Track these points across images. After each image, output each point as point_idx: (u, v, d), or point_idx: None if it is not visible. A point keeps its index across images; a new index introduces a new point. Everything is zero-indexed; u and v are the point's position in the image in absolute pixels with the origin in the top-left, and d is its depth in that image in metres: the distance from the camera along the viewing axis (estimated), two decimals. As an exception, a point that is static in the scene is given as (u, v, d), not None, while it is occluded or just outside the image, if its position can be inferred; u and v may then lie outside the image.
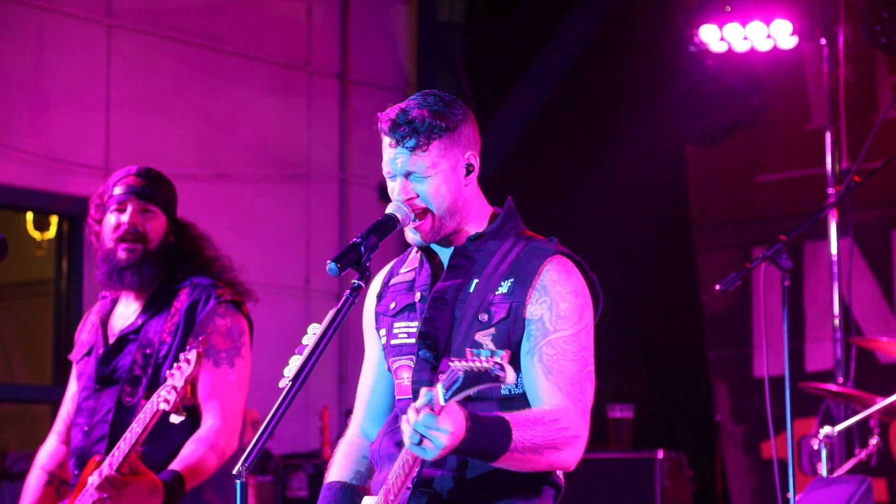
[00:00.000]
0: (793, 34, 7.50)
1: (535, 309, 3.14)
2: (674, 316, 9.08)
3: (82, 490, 4.22)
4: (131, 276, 4.36)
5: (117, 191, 4.40)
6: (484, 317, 3.14)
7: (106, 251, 4.40)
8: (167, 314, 4.35)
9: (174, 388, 3.97)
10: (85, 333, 4.56)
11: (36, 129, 8.11)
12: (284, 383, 2.93)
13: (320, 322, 3.02)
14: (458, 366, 2.78)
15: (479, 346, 3.12)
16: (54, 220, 8.55)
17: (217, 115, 8.94)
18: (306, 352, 2.97)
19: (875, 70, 7.77)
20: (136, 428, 4.06)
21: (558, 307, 3.13)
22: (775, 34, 7.51)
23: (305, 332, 3.03)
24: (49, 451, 4.56)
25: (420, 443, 2.84)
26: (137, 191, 4.39)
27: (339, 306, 3.02)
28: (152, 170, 4.50)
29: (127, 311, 4.46)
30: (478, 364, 2.76)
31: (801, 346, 7.84)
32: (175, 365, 4.02)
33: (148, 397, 4.23)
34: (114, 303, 4.53)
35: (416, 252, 3.33)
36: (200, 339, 4.10)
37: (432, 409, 2.81)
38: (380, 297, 3.34)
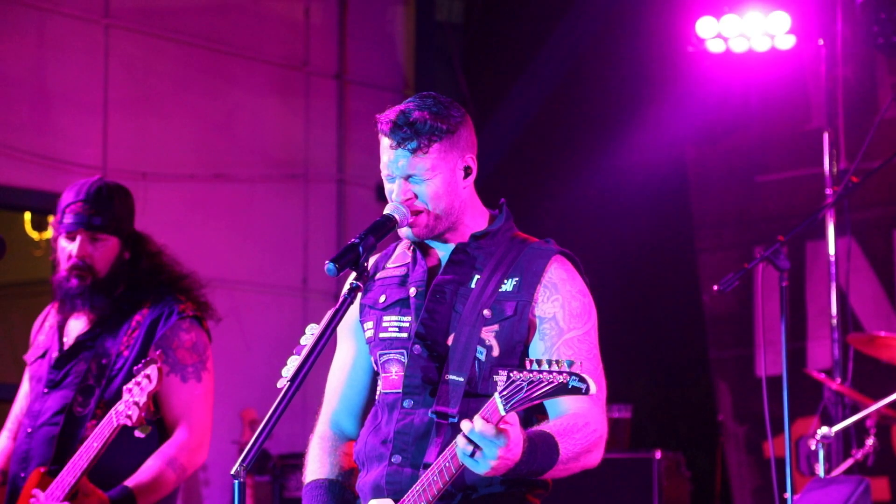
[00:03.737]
0: (790, 32, 7.52)
1: (547, 307, 3.15)
2: (674, 316, 9.07)
3: (27, 497, 4.22)
4: (82, 304, 4.39)
5: (67, 219, 4.40)
6: (487, 313, 3.15)
7: (59, 279, 4.43)
8: (127, 326, 4.37)
9: (136, 403, 3.97)
10: (42, 335, 4.57)
11: (34, 128, 8.11)
12: (282, 383, 2.93)
13: (318, 322, 3.02)
14: (519, 376, 2.76)
15: (483, 342, 3.12)
16: (52, 219, 8.54)
17: (215, 116, 8.94)
18: (304, 352, 2.97)
19: (875, 70, 7.78)
20: (93, 444, 4.06)
21: (570, 306, 3.15)
22: (773, 31, 7.53)
23: (303, 333, 3.03)
24: (1, 449, 4.56)
25: (473, 454, 2.82)
26: (86, 221, 4.36)
27: (336, 307, 3.03)
28: (103, 188, 4.42)
29: (83, 319, 4.47)
30: (547, 375, 2.73)
31: (804, 345, 7.85)
32: (133, 381, 4.02)
33: (101, 407, 4.26)
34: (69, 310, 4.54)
35: (408, 248, 3.32)
36: (158, 353, 4.10)
37: (489, 420, 2.80)
38: (365, 290, 3.32)
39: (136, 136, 8.49)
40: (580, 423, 3.02)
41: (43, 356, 4.49)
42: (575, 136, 9.26)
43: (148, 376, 3.98)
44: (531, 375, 2.74)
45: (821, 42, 7.49)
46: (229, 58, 8.99)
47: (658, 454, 6.86)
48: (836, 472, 5.78)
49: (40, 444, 4.33)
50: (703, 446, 8.69)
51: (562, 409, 3.08)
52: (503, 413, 2.79)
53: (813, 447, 5.19)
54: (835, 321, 7.19)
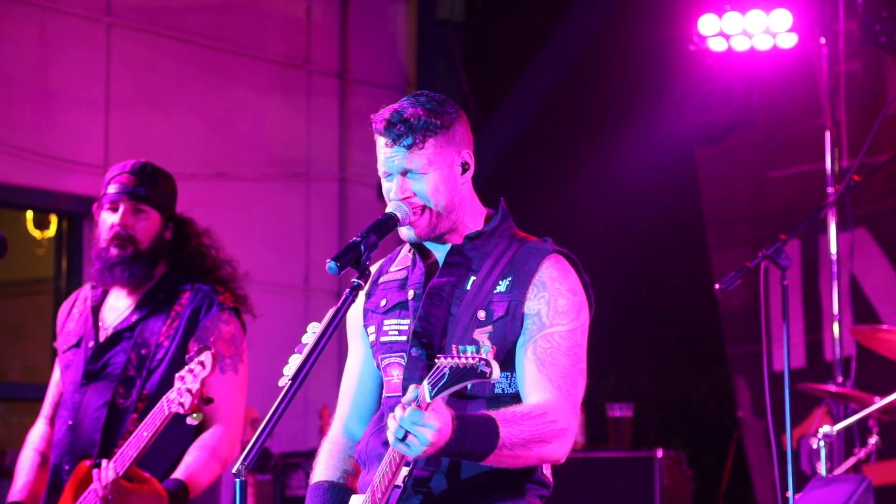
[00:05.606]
0: (792, 30, 7.52)
1: (533, 304, 3.14)
2: (686, 315, 9.06)
3: (75, 490, 4.21)
4: (121, 272, 4.36)
5: (111, 189, 4.41)
6: (482, 314, 3.14)
7: (99, 249, 4.41)
8: (166, 316, 4.35)
9: (189, 390, 3.96)
10: (72, 323, 4.53)
11: (36, 127, 8.11)
12: (284, 382, 2.93)
13: (320, 321, 3.02)
14: (444, 362, 2.79)
15: (475, 343, 3.12)
16: (54, 218, 8.55)
17: (216, 114, 8.94)
18: (306, 350, 2.97)
19: (883, 65, 7.79)
20: (143, 434, 4.05)
21: (556, 303, 3.14)
22: (775, 28, 7.54)
23: (305, 331, 3.02)
24: (40, 433, 4.55)
25: (404, 439, 2.85)
26: (129, 191, 4.38)
27: (338, 305, 3.02)
28: (148, 165, 4.48)
29: (119, 305, 4.45)
30: (463, 360, 2.78)
31: (820, 336, 7.85)
32: (186, 368, 4.00)
33: (142, 400, 4.23)
34: (104, 294, 4.51)
35: (409, 251, 3.32)
36: (212, 340, 4.11)
37: (419, 406, 2.82)
38: (369, 294, 3.33)
39: (137, 134, 8.48)
40: (535, 413, 3.01)
41: (77, 345, 4.45)
42: (576, 134, 9.26)
43: (202, 363, 3.99)
44: (452, 361, 2.78)
45: (822, 41, 7.49)
46: (231, 56, 8.99)
47: (659, 453, 6.86)
48: (838, 471, 5.78)
49: (84, 437, 4.31)
50: (707, 444, 8.69)
51: (528, 401, 3.08)
52: (429, 400, 2.82)
53: (815, 446, 5.19)
54: (836, 320, 7.20)
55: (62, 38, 8.21)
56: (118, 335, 4.38)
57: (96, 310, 4.48)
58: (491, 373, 2.75)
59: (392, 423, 2.86)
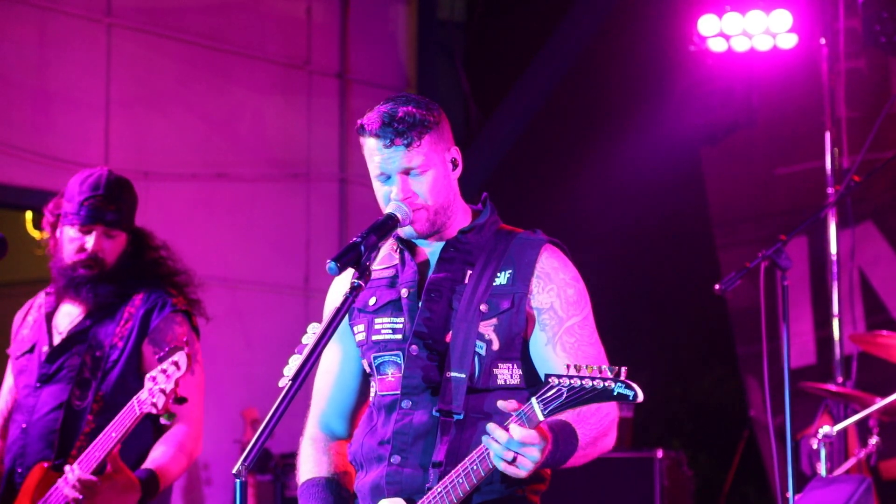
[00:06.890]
0: (791, 30, 7.53)
1: (543, 298, 3.17)
2: (690, 315, 9.05)
3: (33, 494, 4.23)
4: (87, 292, 4.43)
5: (84, 212, 4.44)
6: (484, 307, 3.15)
7: (64, 266, 4.46)
8: (119, 318, 4.40)
9: (163, 391, 3.99)
10: (26, 329, 4.59)
11: (36, 128, 8.11)
12: (284, 382, 2.93)
13: (320, 321, 3.02)
14: (560, 382, 2.79)
15: (482, 336, 3.13)
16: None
17: (217, 115, 8.94)
18: (306, 351, 2.97)
19: (888, 62, 7.79)
20: (112, 434, 4.08)
21: (566, 294, 3.17)
22: (775, 28, 7.55)
23: (305, 332, 3.03)
24: None
25: (514, 461, 2.85)
26: (104, 217, 4.42)
27: (338, 305, 3.02)
28: (113, 181, 4.48)
29: (73, 311, 4.50)
30: (589, 382, 2.76)
31: (830, 333, 7.86)
32: (159, 369, 4.03)
33: (98, 401, 4.27)
34: (59, 300, 4.57)
35: (393, 249, 3.32)
36: (185, 339, 4.13)
37: (525, 425, 2.83)
38: None
39: (138, 135, 8.49)
40: (593, 408, 3.03)
41: (31, 350, 4.51)
42: (577, 134, 9.26)
43: (176, 363, 4.01)
44: (571, 382, 2.77)
45: (822, 41, 7.49)
46: (231, 57, 8.99)
47: (660, 453, 6.86)
48: (838, 471, 5.78)
49: (38, 439, 4.34)
50: (705, 444, 8.69)
51: None
52: (541, 418, 2.82)
53: (815, 446, 5.19)
54: (836, 320, 7.19)
55: (62, 39, 8.21)
56: (72, 338, 4.44)
57: (50, 315, 4.54)
58: (635, 396, 2.75)
59: (496, 446, 2.86)
